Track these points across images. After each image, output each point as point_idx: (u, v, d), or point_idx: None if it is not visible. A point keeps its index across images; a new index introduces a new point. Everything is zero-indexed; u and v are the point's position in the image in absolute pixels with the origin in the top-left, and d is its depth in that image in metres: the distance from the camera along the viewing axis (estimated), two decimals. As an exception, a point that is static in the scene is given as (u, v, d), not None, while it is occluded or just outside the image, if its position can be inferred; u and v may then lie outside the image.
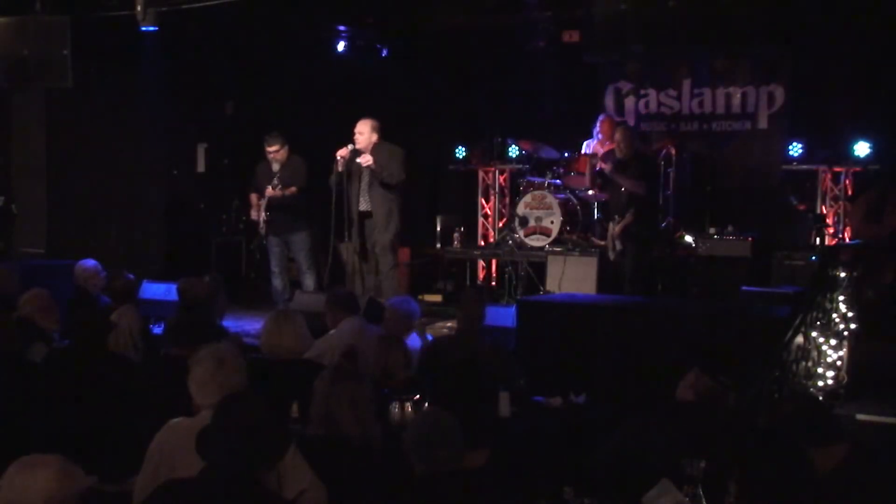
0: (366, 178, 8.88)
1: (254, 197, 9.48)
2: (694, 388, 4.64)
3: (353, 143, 8.87)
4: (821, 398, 5.71)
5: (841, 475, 3.42)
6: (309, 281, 9.41)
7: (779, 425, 3.56)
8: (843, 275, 6.08)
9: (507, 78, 11.93)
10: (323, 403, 4.03)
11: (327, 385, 4.05)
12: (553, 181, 10.71)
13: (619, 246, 9.06)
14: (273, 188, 9.26)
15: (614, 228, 9.13)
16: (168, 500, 3.16)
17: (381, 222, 8.93)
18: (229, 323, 8.35)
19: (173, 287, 7.79)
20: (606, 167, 9.44)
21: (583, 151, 10.55)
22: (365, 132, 8.85)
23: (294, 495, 3.58)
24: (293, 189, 9.27)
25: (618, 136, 9.37)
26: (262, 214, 9.33)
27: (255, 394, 3.42)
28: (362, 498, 3.75)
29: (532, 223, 10.49)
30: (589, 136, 10.61)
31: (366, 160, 8.74)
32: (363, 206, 8.94)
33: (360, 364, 5.46)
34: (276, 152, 9.36)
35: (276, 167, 9.37)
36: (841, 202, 10.42)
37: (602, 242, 9.78)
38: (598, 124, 10.51)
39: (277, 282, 9.50)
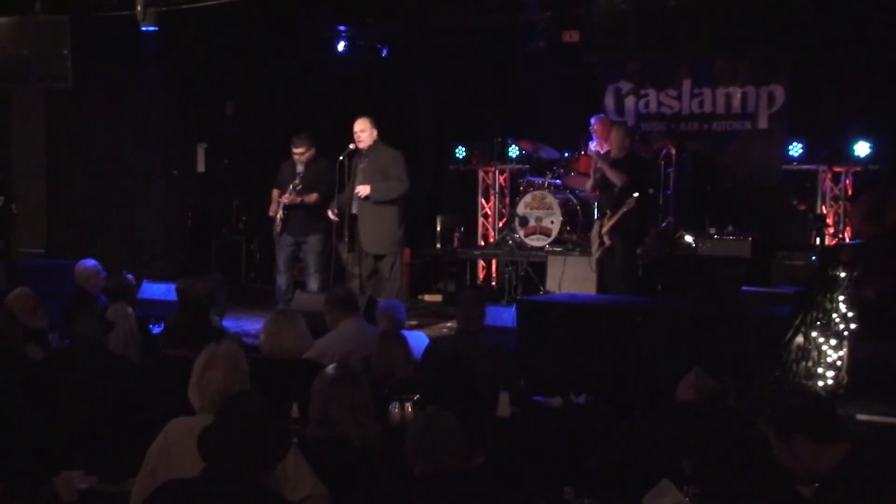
0: (358, 180, 8.84)
1: (275, 193, 9.39)
2: (695, 388, 4.64)
3: (355, 144, 8.84)
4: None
5: (841, 474, 3.42)
6: (314, 283, 9.35)
7: (783, 420, 3.56)
8: (843, 275, 6.07)
9: (507, 78, 11.93)
10: (322, 405, 4.02)
11: (326, 387, 4.05)
12: (553, 181, 10.71)
13: (607, 242, 9.02)
14: (292, 190, 9.18)
15: (602, 225, 9.08)
16: (168, 500, 3.16)
17: (371, 228, 8.87)
18: (229, 323, 8.36)
19: (173, 287, 7.79)
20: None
21: (583, 153, 10.54)
22: (366, 129, 8.81)
23: (297, 499, 3.58)
24: (314, 196, 9.17)
25: (612, 135, 9.36)
26: (280, 213, 9.29)
27: (257, 394, 3.41)
28: (362, 498, 3.75)
29: (532, 223, 10.49)
30: (589, 136, 10.60)
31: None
32: (354, 208, 8.90)
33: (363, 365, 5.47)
34: (301, 154, 9.25)
35: (300, 168, 9.30)
36: (841, 202, 10.41)
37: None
38: (591, 127, 10.50)
39: (281, 280, 9.46)
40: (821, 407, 3.64)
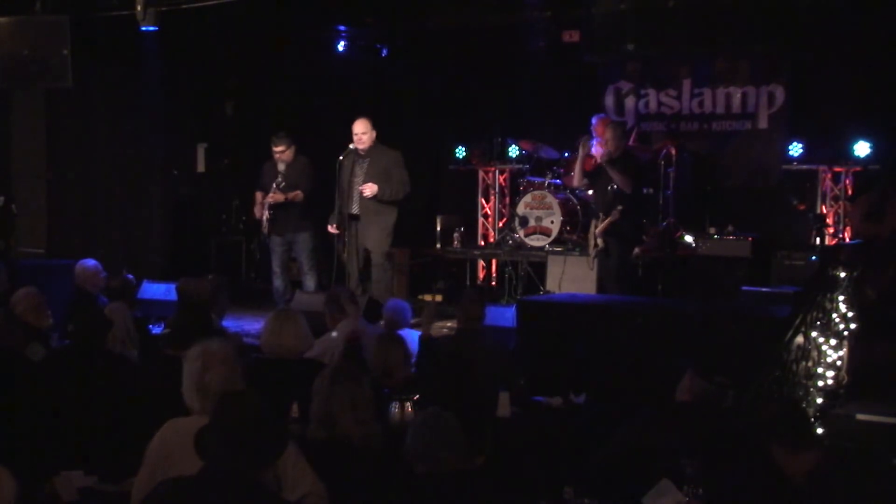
0: (358, 181, 8.85)
1: (258, 195, 9.44)
2: (690, 391, 4.65)
3: (357, 145, 8.84)
4: (820, 399, 5.72)
5: (813, 481, 3.44)
6: (310, 282, 9.39)
7: (758, 428, 3.59)
8: (843, 275, 6.07)
9: (506, 78, 11.93)
10: (323, 404, 4.02)
11: (327, 386, 4.05)
12: (553, 181, 10.71)
13: (600, 244, 9.00)
14: (276, 189, 9.20)
15: (596, 226, 9.06)
16: (167, 498, 3.16)
17: (372, 227, 8.87)
18: (229, 323, 8.35)
19: (173, 287, 7.80)
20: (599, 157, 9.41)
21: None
22: (367, 131, 8.82)
23: (296, 498, 3.57)
24: (298, 193, 9.21)
25: (607, 134, 9.34)
26: (266, 213, 9.31)
27: (253, 392, 3.40)
28: (363, 498, 3.75)
29: (532, 223, 10.49)
30: (589, 136, 10.58)
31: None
32: (354, 209, 8.92)
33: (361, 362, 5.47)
34: (282, 153, 9.30)
35: (281, 167, 9.33)
36: (841, 202, 10.42)
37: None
38: (592, 127, 10.48)
39: (278, 282, 9.48)
40: (792, 416, 3.67)
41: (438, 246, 11.69)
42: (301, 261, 9.47)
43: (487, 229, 12.23)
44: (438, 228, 11.75)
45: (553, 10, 11.01)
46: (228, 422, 3.15)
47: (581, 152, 9.48)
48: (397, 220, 8.98)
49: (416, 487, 3.63)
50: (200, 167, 12.29)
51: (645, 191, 10.03)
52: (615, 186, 8.91)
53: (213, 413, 3.25)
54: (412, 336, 6.61)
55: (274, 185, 9.22)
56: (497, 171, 12.13)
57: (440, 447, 3.63)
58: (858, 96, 10.21)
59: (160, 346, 5.83)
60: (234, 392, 3.56)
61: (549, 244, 10.35)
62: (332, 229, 9.03)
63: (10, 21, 9.82)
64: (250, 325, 8.99)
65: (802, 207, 10.50)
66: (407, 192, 8.90)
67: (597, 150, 10.28)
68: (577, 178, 9.64)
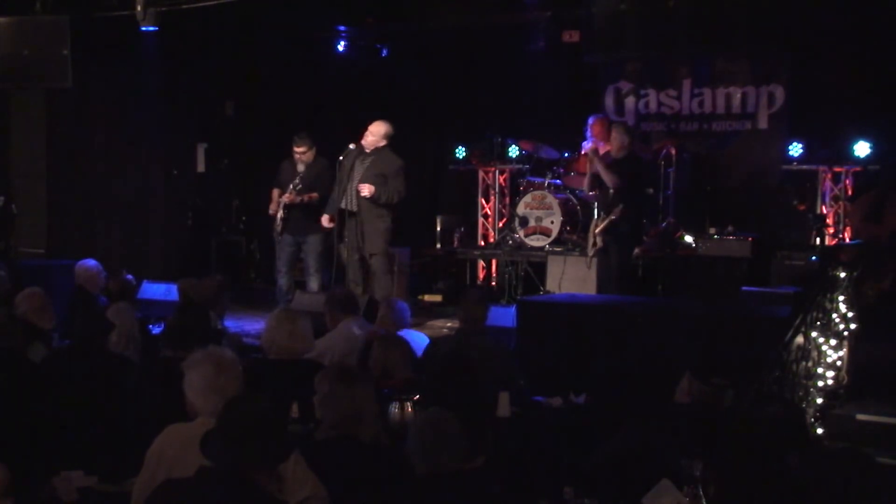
0: (356, 179, 8.85)
1: (275, 192, 9.39)
2: (689, 393, 4.66)
3: (356, 144, 8.84)
4: (820, 399, 5.73)
5: (809, 480, 3.45)
6: (314, 283, 9.35)
7: (756, 430, 3.59)
8: (843, 275, 6.07)
9: (507, 78, 11.93)
10: (350, 405, 3.96)
11: (345, 386, 4.01)
12: (553, 181, 10.71)
13: (599, 243, 8.98)
14: (293, 190, 9.18)
15: (597, 225, 9.06)
16: (168, 499, 3.16)
17: (368, 227, 8.86)
18: (229, 323, 8.36)
19: (173, 287, 7.81)
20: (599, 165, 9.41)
21: (582, 153, 10.52)
22: (377, 134, 8.82)
23: (297, 500, 3.57)
24: (314, 195, 9.19)
25: (613, 134, 9.33)
26: (280, 212, 9.29)
27: (262, 395, 3.39)
28: (365, 498, 3.74)
29: (532, 223, 10.49)
30: (584, 136, 10.58)
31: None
32: (350, 205, 8.91)
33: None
34: (303, 153, 9.26)
35: (300, 168, 9.31)
36: (841, 202, 10.42)
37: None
38: (588, 127, 10.46)
39: (282, 281, 9.46)
40: (792, 418, 3.67)
41: (438, 246, 11.70)
42: (308, 262, 9.44)
43: (487, 229, 12.23)
44: (438, 228, 11.75)
45: (553, 10, 11.02)
46: (239, 424, 3.15)
47: (590, 165, 9.48)
48: (392, 224, 8.96)
49: (417, 488, 3.63)
50: (200, 167, 12.29)
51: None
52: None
53: (223, 415, 3.23)
54: (412, 336, 6.61)
55: (291, 187, 9.20)
56: (497, 171, 12.13)
57: (440, 448, 3.63)
58: (858, 96, 10.21)
59: (160, 347, 5.83)
60: (244, 395, 3.56)
61: (549, 244, 10.35)
62: (325, 221, 8.99)
63: (10, 21, 9.83)
64: (250, 325, 8.99)
65: (802, 207, 10.50)
66: (400, 199, 8.87)
67: (591, 148, 10.27)
68: (587, 185, 9.61)
